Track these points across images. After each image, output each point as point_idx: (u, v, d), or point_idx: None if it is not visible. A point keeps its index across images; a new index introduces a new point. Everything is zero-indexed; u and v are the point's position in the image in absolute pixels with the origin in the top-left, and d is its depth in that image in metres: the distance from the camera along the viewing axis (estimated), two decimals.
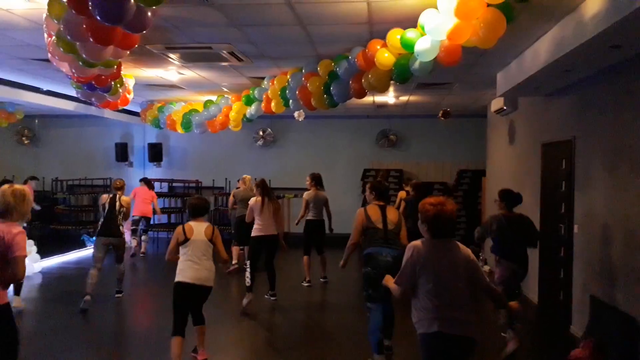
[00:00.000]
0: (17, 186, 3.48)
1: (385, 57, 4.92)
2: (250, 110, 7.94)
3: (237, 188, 9.01)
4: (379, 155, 12.46)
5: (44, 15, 4.00)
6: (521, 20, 4.44)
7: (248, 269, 6.54)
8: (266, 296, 6.88)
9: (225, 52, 6.01)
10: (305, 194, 7.87)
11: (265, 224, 6.64)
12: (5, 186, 3.40)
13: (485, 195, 10.57)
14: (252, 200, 6.81)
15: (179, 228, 4.54)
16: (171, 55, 6.28)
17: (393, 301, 4.56)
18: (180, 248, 4.50)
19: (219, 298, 6.78)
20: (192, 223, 4.58)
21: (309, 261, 7.91)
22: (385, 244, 4.55)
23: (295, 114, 8.87)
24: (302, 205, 7.92)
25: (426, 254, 2.93)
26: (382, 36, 4.92)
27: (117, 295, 7.02)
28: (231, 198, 8.82)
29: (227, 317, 6.23)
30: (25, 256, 3.27)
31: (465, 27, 3.91)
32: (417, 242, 3.01)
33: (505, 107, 7.78)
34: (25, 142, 13.07)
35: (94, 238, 7.15)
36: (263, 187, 6.79)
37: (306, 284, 7.85)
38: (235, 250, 8.80)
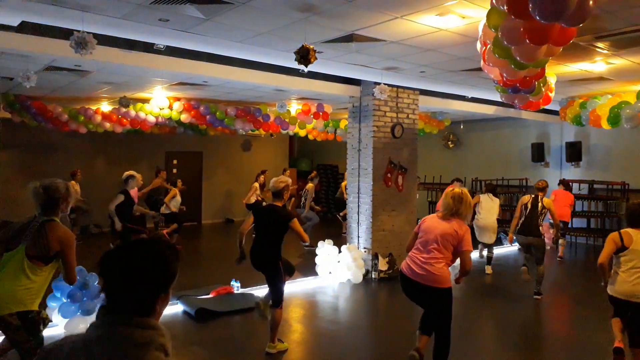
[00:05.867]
0: (457, 189, 4.05)
1: None
2: None
3: None
4: None
5: (480, 26, 4.36)
6: None
7: None
8: None
9: None
10: None
11: None
12: (457, 190, 3.99)
13: None
14: None
15: (615, 234, 4.15)
16: (600, 44, 5.78)
17: None
18: (614, 257, 4.11)
19: None
20: (630, 230, 4.09)
21: None
22: None
23: None
24: None
25: None
26: None
27: (535, 297, 6.95)
28: None
29: None
30: (472, 251, 3.84)
31: None
32: None
33: None
34: (450, 145, 14.67)
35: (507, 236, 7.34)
36: None
37: None
38: None
